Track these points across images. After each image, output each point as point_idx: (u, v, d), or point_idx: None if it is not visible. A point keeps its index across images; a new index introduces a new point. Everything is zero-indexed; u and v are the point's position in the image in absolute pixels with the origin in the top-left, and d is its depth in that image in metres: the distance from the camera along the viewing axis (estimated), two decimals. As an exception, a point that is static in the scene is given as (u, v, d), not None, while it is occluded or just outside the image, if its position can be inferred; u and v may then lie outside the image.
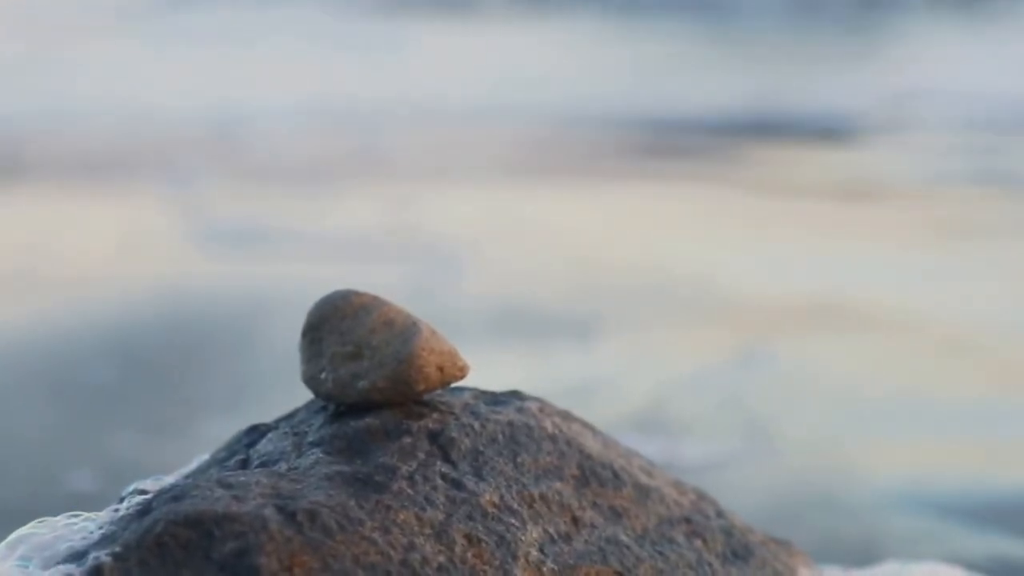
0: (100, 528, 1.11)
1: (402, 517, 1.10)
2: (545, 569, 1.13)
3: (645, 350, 2.81)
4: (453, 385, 1.24)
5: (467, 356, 1.24)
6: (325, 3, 9.44)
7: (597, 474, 1.25)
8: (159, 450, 2.29)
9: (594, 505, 1.22)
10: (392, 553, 1.07)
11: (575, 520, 1.19)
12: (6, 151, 4.89)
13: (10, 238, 3.71)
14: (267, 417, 1.29)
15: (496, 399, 1.28)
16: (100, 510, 1.16)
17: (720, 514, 1.32)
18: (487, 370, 1.37)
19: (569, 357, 2.74)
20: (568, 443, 1.25)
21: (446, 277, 3.22)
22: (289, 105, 5.86)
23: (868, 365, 2.72)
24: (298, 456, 1.17)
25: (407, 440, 1.17)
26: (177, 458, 1.36)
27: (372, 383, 1.19)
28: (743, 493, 2.00)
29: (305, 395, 1.28)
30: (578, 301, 3.13)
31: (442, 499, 1.13)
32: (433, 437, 1.19)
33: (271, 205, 4.02)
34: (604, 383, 2.56)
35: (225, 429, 1.48)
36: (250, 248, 3.53)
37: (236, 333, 2.92)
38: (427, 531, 1.10)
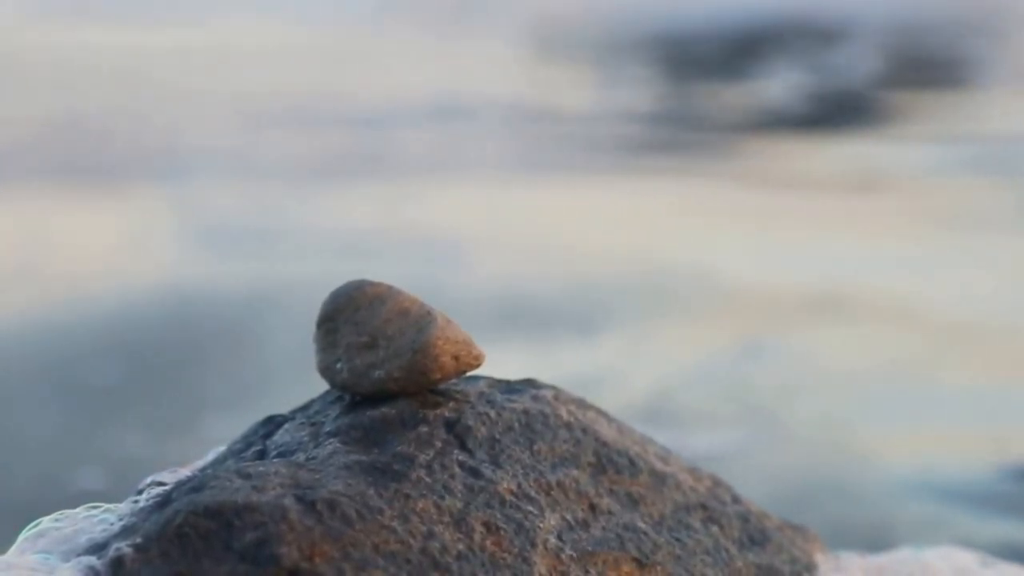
0: (120, 520, 1.11)
1: (421, 505, 1.10)
2: (563, 556, 1.13)
3: (649, 342, 2.81)
4: (468, 374, 1.24)
5: (474, 350, 1.23)
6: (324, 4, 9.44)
7: (613, 461, 1.25)
8: (165, 448, 2.29)
9: (611, 492, 1.22)
10: (412, 541, 1.07)
11: (592, 507, 1.19)
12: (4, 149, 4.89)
13: (13, 236, 3.71)
14: (272, 413, 1.29)
15: (511, 387, 1.28)
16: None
17: (736, 500, 1.32)
18: (492, 365, 1.38)
19: (573, 350, 2.74)
20: (584, 430, 1.25)
21: (449, 272, 3.22)
22: (293, 102, 5.86)
23: (873, 354, 2.73)
24: (315, 446, 1.17)
25: (424, 429, 1.17)
26: (183, 456, 1.36)
27: (388, 373, 1.19)
28: (751, 482, 1.99)
29: (313, 388, 1.28)
30: (581, 295, 3.13)
31: (460, 487, 1.13)
32: (450, 426, 1.19)
33: (273, 202, 4.02)
34: (609, 376, 2.56)
35: (229, 426, 1.48)
36: (253, 245, 3.53)
37: (241, 330, 2.91)
38: (446, 519, 1.10)
